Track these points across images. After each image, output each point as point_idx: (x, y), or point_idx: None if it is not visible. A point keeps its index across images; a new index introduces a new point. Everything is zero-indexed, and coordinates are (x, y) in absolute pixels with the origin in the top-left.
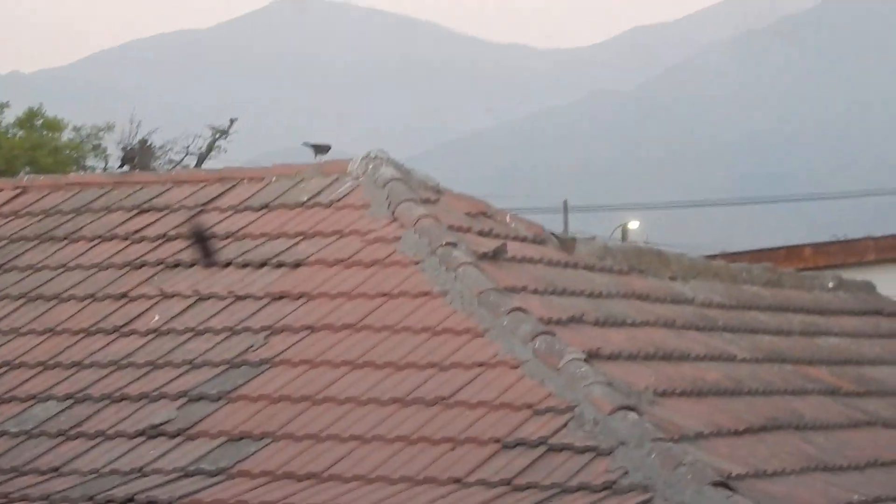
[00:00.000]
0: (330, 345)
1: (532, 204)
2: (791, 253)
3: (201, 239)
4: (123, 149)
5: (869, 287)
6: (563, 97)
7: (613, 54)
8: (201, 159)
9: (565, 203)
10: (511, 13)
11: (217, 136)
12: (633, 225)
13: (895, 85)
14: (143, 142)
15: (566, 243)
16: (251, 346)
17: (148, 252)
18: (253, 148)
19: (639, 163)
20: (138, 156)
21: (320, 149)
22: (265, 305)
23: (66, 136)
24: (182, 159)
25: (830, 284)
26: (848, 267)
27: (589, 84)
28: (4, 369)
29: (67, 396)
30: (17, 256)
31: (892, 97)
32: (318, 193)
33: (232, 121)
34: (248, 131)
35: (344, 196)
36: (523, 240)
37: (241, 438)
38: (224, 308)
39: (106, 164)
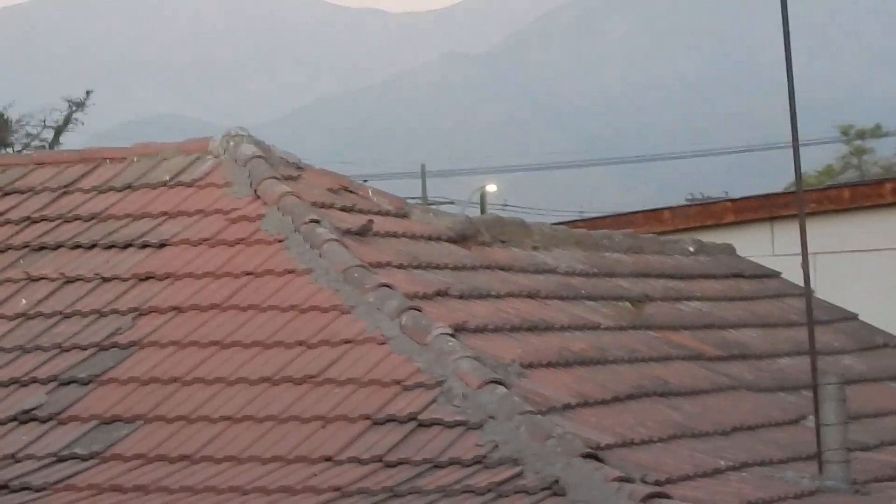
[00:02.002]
0: (197, 325)
1: (386, 169)
2: (650, 217)
3: None
4: None
5: (729, 249)
6: (415, 61)
7: (465, 17)
8: (58, 132)
9: (422, 168)
10: None
11: (73, 108)
12: (491, 189)
13: (741, 43)
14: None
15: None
16: (119, 329)
17: (12, 235)
18: (112, 118)
19: (492, 126)
20: None
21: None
22: (132, 287)
23: None
24: (39, 132)
25: (691, 248)
26: (707, 229)
27: (440, 47)
28: None
29: None
30: None
31: (739, 55)
32: (180, 173)
33: (88, 92)
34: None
35: (206, 175)
36: (386, 214)
37: (113, 422)
38: (91, 290)
39: None
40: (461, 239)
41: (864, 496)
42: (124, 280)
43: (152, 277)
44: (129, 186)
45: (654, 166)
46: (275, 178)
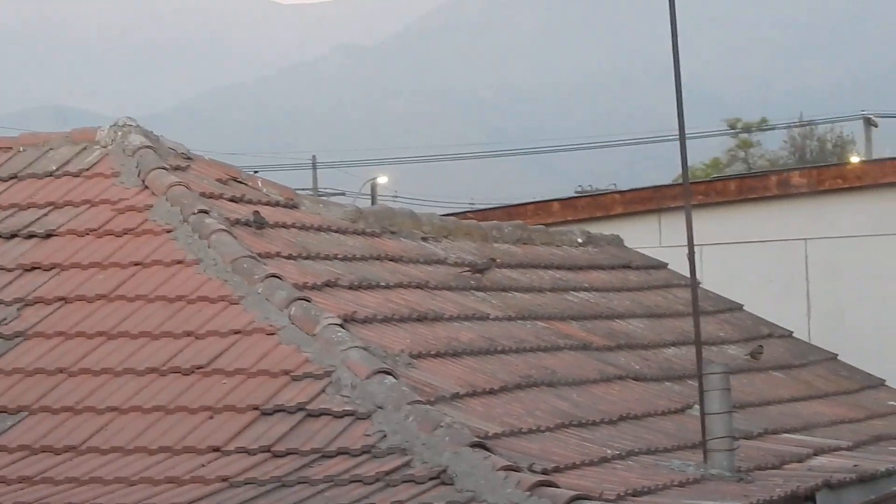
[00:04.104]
0: (84, 316)
1: (280, 161)
2: (539, 208)
3: None
4: None
5: (617, 241)
6: (308, 53)
7: (357, 7)
8: None
9: (314, 159)
10: None
11: None
12: (382, 180)
13: (648, 38)
14: None
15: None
16: (4, 319)
17: None
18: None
19: (388, 118)
20: None
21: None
22: (17, 277)
23: None
24: None
25: (579, 240)
26: (596, 221)
27: (333, 39)
28: None
29: None
30: None
31: (646, 50)
32: (67, 163)
33: None
34: None
35: (93, 165)
36: (275, 204)
37: None
38: None
39: None
40: (477, 270)
41: (748, 483)
42: (9, 270)
43: (38, 268)
44: (14, 176)
45: (557, 159)
46: (163, 168)
